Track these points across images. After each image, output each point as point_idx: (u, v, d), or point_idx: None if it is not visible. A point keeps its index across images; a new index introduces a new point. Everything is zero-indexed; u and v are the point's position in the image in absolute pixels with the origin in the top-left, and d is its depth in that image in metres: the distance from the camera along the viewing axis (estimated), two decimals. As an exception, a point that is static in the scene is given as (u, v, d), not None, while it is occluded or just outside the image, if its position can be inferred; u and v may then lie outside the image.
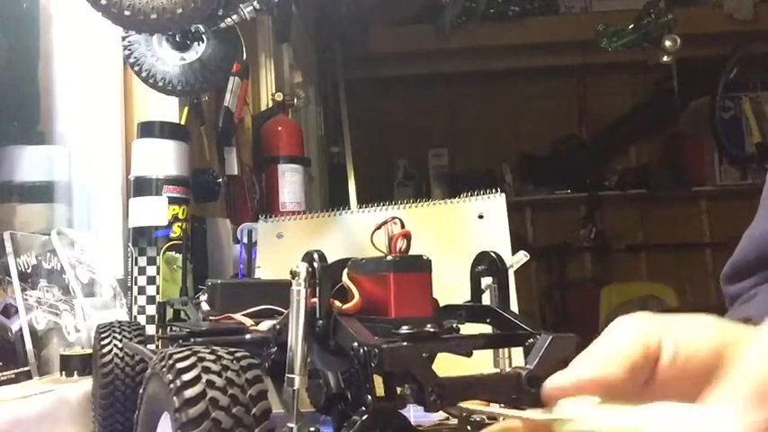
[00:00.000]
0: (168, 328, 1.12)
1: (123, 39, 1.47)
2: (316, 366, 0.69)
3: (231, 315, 0.89)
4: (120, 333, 1.08)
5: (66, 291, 1.41)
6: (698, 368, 0.41)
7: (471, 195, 1.31)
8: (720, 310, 0.77)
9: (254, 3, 1.43)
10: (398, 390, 0.55)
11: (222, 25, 1.45)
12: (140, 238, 1.47)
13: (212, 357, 0.55)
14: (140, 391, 0.65)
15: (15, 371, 1.18)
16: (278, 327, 0.75)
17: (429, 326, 0.58)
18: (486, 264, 0.69)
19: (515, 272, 1.09)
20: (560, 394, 0.42)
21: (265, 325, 0.82)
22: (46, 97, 1.68)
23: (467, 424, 0.58)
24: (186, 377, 0.52)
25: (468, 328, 0.68)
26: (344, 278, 0.67)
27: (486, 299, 0.69)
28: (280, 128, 2.35)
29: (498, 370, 0.66)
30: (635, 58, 4.10)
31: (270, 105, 2.56)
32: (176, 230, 1.48)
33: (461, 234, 1.28)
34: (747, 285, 0.81)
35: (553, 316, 5.09)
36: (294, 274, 0.63)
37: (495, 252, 0.68)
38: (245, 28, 1.79)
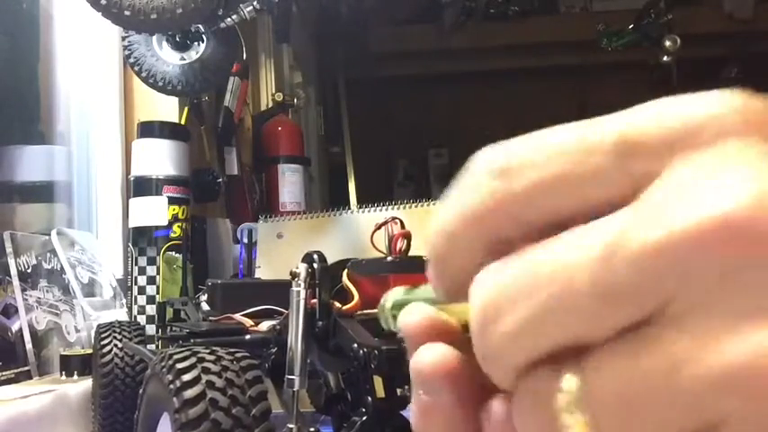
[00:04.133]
0: (168, 328, 1.12)
1: (123, 39, 1.47)
2: (316, 367, 0.69)
3: (231, 315, 0.89)
4: (120, 333, 1.08)
5: (66, 291, 1.41)
6: None
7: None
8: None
9: (254, 3, 1.43)
10: (398, 390, 0.56)
11: (222, 25, 1.45)
12: (140, 238, 1.47)
13: (212, 358, 0.55)
14: (140, 391, 0.65)
15: (15, 371, 1.18)
16: (278, 327, 0.75)
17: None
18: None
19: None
20: None
21: (265, 325, 0.82)
22: (46, 97, 1.68)
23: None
24: (186, 378, 0.52)
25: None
26: (344, 279, 0.67)
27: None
28: (280, 128, 2.35)
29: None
30: (635, 58, 4.10)
31: (270, 105, 2.56)
32: (176, 230, 1.48)
33: (461, 234, 1.27)
34: None
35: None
36: (294, 275, 0.63)
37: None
38: (245, 28, 1.79)
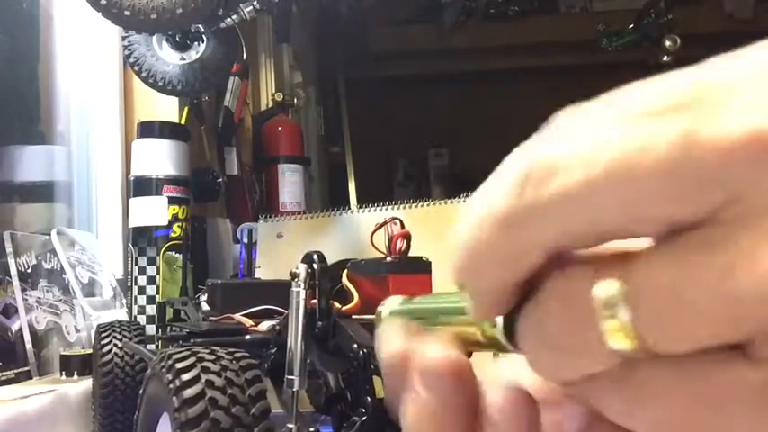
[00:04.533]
0: (168, 328, 1.12)
1: (123, 39, 1.47)
2: (315, 367, 0.69)
3: (231, 315, 0.89)
4: (120, 333, 1.08)
5: (66, 291, 1.41)
6: None
7: (471, 195, 1.30)
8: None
9: (254, 3, 1.43)
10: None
11: (222, 25, 1.45)
12: (140, 238, 1.47)
13: (211, 357, 0.55)
14: (140, 391, 0.65)
15: (15, 371, 1.18)
16: (278, 327, 0.75)
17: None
18: (486, 264, 0.69)
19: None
20: None
21: (265, 325, 0.82)
22: (46, 97, 1.68)
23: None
24: (185, 377, 0.52)
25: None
26: (344, 279, 0.67)
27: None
28: (280, 128, 2.35)
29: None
30: (635, 58, 4.10)
31: (270, 105, 2.56)
32: (176, 230, 1.48)
33: (461, 234, 1.27)
34: None
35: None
36: (294, 276, 0.63)
37: (494, 252, 0.68)
38: (245, 28, 1.79)
